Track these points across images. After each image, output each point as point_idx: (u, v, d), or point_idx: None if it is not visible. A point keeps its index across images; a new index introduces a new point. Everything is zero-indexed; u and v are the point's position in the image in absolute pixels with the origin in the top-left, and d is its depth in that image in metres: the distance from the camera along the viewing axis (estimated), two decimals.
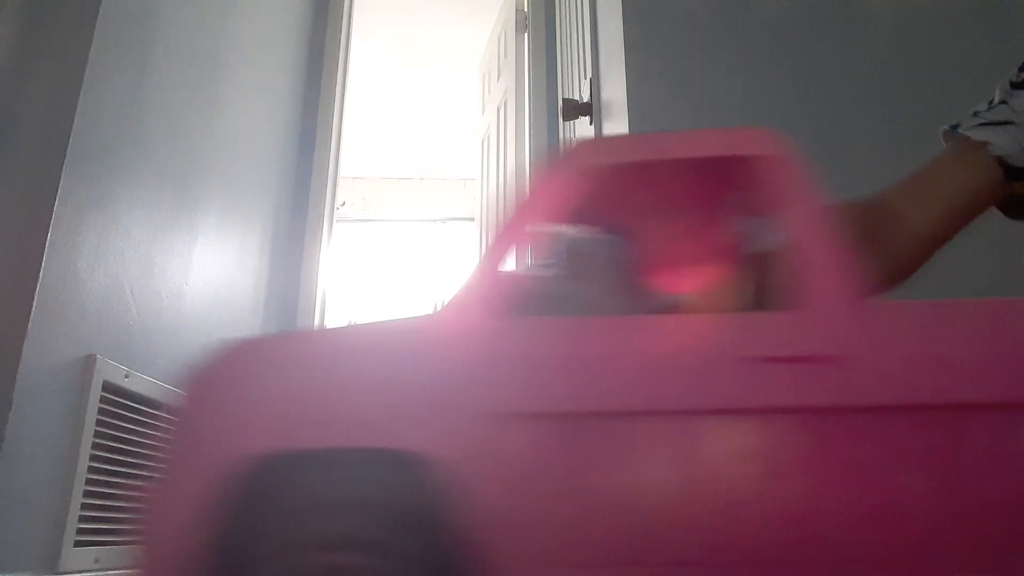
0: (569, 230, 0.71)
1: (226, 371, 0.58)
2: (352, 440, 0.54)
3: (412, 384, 0.55)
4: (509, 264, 0.61)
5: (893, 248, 0.74)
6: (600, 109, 1.70)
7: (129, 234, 1.41)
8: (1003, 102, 0.77)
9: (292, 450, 0.55)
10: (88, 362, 1.25)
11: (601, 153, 0.64)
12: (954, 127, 0.79)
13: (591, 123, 1.75)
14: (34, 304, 1.12)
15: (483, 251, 0.61)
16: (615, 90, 1.52)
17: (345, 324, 0.62)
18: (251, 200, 2.08)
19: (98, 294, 1.30)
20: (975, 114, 0.78)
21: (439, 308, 0.60)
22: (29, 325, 1.11)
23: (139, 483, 0.55)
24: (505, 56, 2.86)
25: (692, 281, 0.89)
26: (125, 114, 1.39)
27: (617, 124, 1.49)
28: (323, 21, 2.67)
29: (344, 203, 4.73)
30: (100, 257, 1.31)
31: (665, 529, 0.52)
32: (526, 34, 2.76)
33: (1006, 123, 0.75)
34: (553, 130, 2.58)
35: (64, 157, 1.19)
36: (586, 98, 1.82)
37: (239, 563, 0.53)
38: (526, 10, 2.79)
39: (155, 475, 0.56)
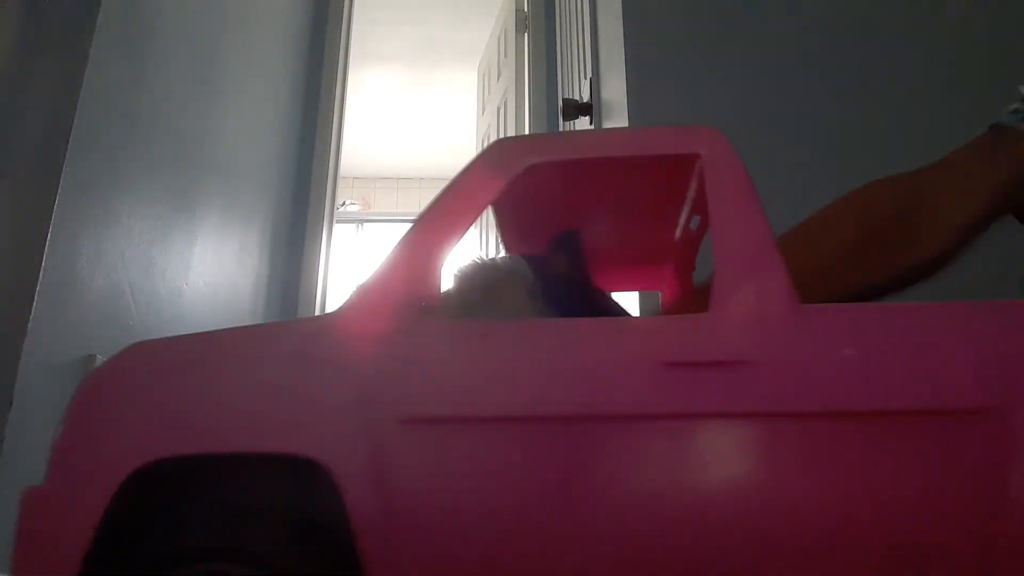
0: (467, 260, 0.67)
1: (121, 373, 0.56)
2: (242, 445, 0.52)
3: (310, 387, 0.53)
4: (423, 263, 0.58)
5: (925, 236, 0.69)
6: (600, 109, 1.70)
7: (129, 234, 1.41)
8: None
9: (181, 456, 0.53)
10: (88, 362, 1.25)
11: (529, 152, 0.61)
12: (993, 125, 0.75)
13: (591, 123, 1.75)
14: (34, 304, 1.12)
15: (393, 247, 0.58)
16: (615, 90, 1.52)
17: (248, 325, 0.60)
18: (251, 200, 2.08)
19: (98, 294, 1.30)
20: (1014, 111, 0.74)
21: (342, 307, 0.57)
22: (29, 325, 1.10)
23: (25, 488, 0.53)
24: (505, 56, 2.86)
25: (633, 282, 0.88)
26: (125, 114, 1.39)
27: (617, 124, 1.49)
28: (323, 21, 2.67)
29: (344, 203, 4.73)
30: (100, 257, 1.31)
31: (574, 541, 0.50)
32: (526, 34, 2.76)
33: None
34: (553, 130, 2.58)
35: (64, 157, 1.19)
36: (586, 98, 1.82)
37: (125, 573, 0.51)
38: (526, 10, 2.79)
39: (43, 479, 0.53)
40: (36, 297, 1.12)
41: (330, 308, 2.49)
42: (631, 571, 0.50)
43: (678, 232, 0.78)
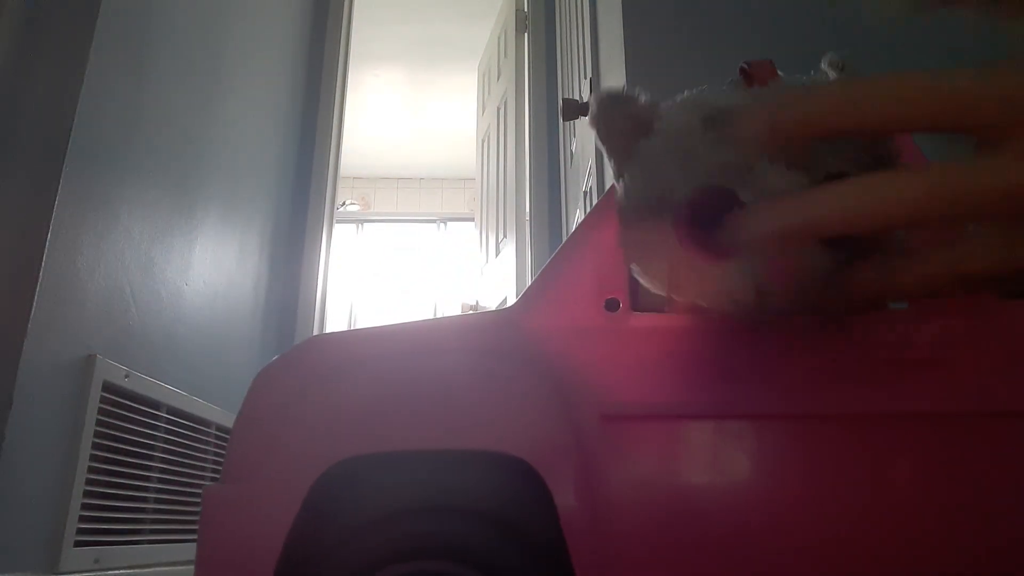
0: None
1: (303, 370, 0.55)
2: (443, 442, 0.51)
3: (508, 383, 0.52)
4: (607, 256, 0.55)
5: None
6: None
7: (129, 234, 1.41)
8: None
9: (385, 452, 0.51)
10: (88, 362, 1.25)
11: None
12: None
13: None
14: (34, 304, 1.12)
15: (570, 239, 0.57)
16: None
17: (428, 318, 0.58)
18: (251, 200, 2.08)
19: (98, 294, 1.30)
20: None
21: (520, 300, 0.55)
22: (29, 325, 1.10)
23: (200, 487, 0.51)
24: (505, 56, 2.86)
25: None
26: (125, 114, 1.39)
27: None
28: (323, 21, 2.67)
29: (344, 203, 4.73)
30: (100, 257, 1.31)
31: (801, 542, 0.48)
32: (526, 34, 2.76)
33: None
34: (553, 130, 2.58)
35: (64, 157, 1.19)
36: (586, 98, 1.82)
37: (322, 572, 0.50)
38: (526, 10, 2.79)
39: (225, 479, 0.52)
40: (36, 297, 1.12)
41: (330, 309, 2.48)
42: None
43: None
